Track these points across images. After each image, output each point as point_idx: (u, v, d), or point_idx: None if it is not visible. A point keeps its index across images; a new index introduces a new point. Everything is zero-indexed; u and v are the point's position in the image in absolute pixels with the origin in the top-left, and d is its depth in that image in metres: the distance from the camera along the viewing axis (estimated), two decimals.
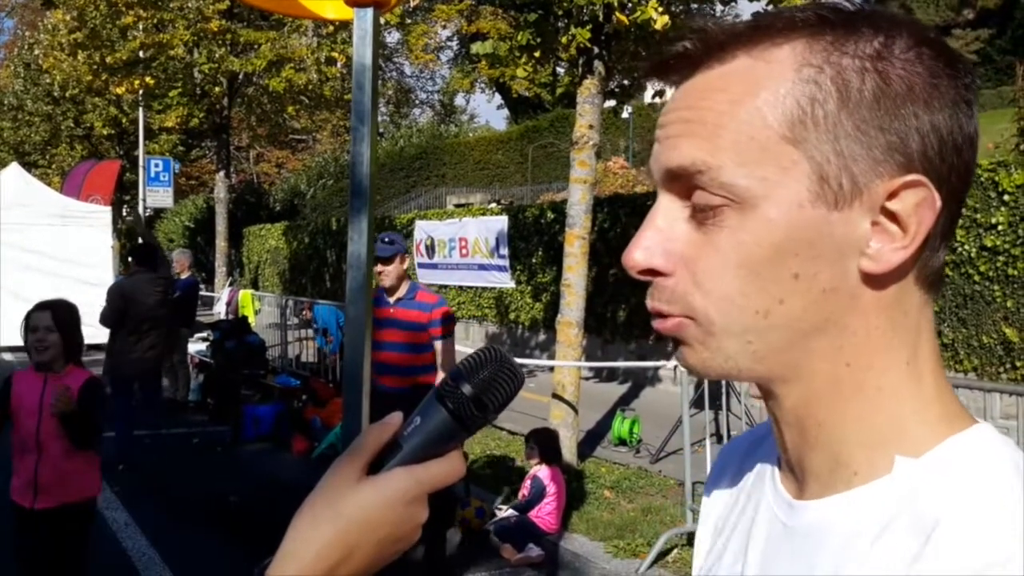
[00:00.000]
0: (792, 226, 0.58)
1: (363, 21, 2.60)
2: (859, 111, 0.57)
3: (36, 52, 21.68)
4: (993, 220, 7.66)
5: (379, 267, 4.67)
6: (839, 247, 0.58)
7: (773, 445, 0.69)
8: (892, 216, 0.58)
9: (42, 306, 3.67)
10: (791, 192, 0.58)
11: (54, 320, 3.57)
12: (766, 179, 0.58)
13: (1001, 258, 7.62)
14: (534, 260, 13.15)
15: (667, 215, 0.63)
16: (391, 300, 4.76)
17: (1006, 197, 7.58)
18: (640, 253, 0.63)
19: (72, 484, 3.60)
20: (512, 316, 13.85)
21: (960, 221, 7.80)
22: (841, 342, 0.60)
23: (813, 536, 0.61)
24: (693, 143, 0.60)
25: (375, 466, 0.68)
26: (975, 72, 0.60)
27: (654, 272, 0.63)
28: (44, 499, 3.54)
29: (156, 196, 20.63)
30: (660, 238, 0.62)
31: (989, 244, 7.68)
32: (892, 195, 0.57)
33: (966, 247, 7.84)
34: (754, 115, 0.59)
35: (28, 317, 3.61)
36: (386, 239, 4.75)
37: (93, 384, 3.68)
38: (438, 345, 4.69)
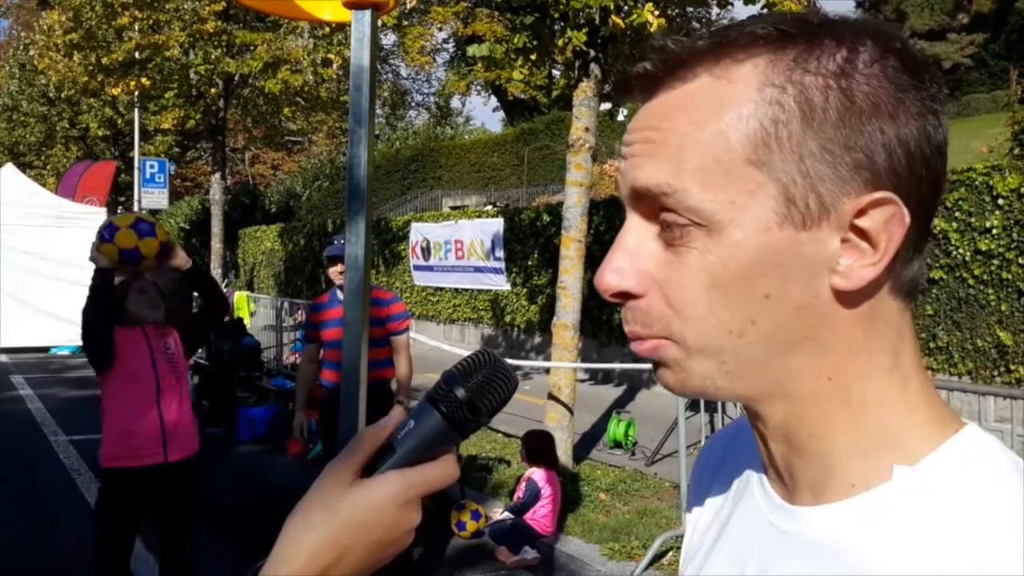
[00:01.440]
0: (760, 248, 0.57)
1: (361, 23, 2.61)
2: (823, 130, 0.56)
3: (31, 53, 21.63)
4: (987, 224, 7.68)
5: (339, 267, 4.74)
6: (809, 266, 0.57)
7: (749, 439, 0.68)
8: (862, 233, 0.57)
9: None
10: (757, 215, 0.57)
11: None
12: (733, 203, 0.57)
13: (995, 262, 7.64)
14: (530, 263, 13.15)
15: (636, 234, 0.62)
16: None
17: (1000, 201, 7.60)
18: (612, 275, 0.62)
19: (190, 435, 3.79)
20: (508, 318, 13.85)
21: (954, 224, 7.88)
22: (819, 357, 0.59)
23: (821, 545, 0.60)
24: (657, 164, 0.59)
25: (369, 469, 0.69)
26: (942, 79, 0.59)
27: (627, 295, 0.62)
28: (175, 450, 3.69)
29: (151, 197, 20.59)
30: (631, 259, 0.61)
31: (983, 248, 7.70)
32: (860, 213, 0.56)
33: (960, 251, 7.87)
34: (717, 137, 0.57)
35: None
36: (340, 240, 4.78)
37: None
38: (397, 340, 4.77)
